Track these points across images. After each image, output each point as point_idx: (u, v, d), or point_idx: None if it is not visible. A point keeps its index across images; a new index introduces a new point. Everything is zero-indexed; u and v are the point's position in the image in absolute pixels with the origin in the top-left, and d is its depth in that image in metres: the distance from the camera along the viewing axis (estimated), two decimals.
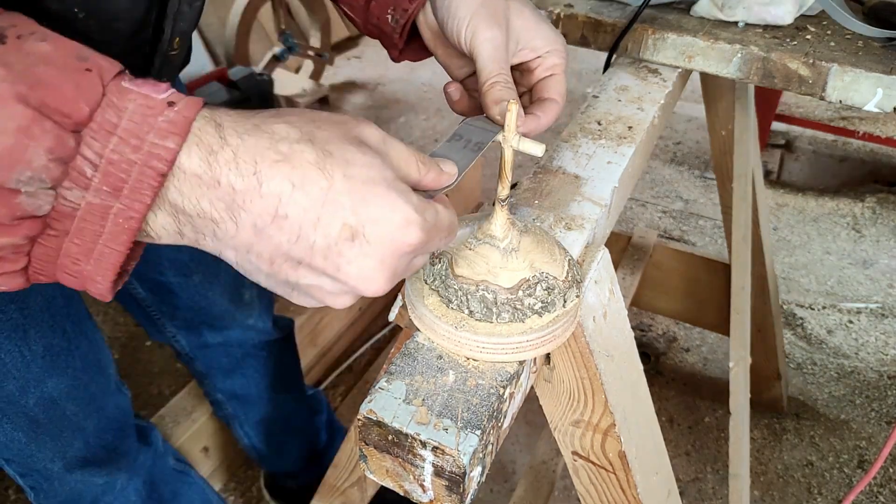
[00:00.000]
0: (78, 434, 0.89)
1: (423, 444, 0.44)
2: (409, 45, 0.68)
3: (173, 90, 0.36)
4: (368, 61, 3.52)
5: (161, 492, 1.06)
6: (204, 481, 1.19)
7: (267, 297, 1.19)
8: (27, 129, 0.32)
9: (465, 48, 0.59)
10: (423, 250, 0.41)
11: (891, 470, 1.68)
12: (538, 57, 0.61)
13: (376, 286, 0.39)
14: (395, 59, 0.70)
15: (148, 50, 0.63)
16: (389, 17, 0.64)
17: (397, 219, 0.38)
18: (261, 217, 0.37)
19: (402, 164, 0.42)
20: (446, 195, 0.46)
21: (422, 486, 0.46)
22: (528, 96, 0.63)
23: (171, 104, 0.35)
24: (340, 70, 3.39)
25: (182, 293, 1.04)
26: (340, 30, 3.57)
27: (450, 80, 0.65)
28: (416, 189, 0.43)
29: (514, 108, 0.48)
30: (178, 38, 0.65)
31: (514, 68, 0.62)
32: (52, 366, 0.82)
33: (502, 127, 0.55)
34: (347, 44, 3.62)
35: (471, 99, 0.63)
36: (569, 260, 0.52)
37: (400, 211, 0.38)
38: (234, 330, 1.15)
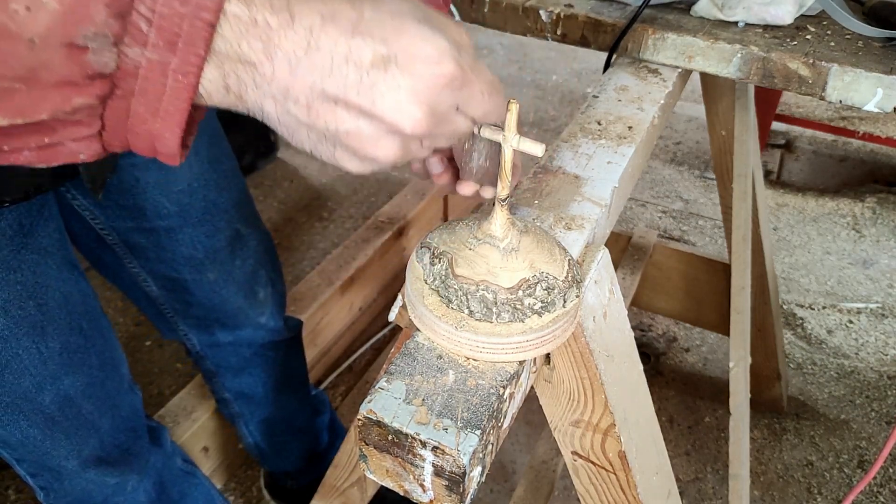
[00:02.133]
0: (93, 433, 0.89)
1: (423, 444, 0.44)
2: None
3: None
4: None
5: (169, 493, 1.06)
6: (209, 482, 1.19)
7: (279, 295, 1.19)
8: None
9: None
10: (461, 90, 0.40)
11: (891, 470, 1.68)
12: None
13: (414, 119, 0.38)
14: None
15: None
16: None
17: (429, 48, 0.38)
18: (294, 52, 0.36)
19: (452, 30, 0.40)
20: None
21: (422, 485, 0.46)
22: None
23: None
24: None
25: (196, 290, 1.03)
26: None
27: None
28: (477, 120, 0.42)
29: (514, 108, 0.48)
30: None
31: None
32: (68, 363, 0.82)
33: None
34: None
35: None
36: (569, 260, 0.52)
37: (432, 41, 0.38)
38: (245, 329, 1.15)
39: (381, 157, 0.41)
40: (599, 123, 0.75)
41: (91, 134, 0.36)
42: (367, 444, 0.46)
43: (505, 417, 0.49)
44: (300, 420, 1.38)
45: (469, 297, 0.48)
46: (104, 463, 0.92)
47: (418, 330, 0.51)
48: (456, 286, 0.49)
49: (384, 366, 0.50)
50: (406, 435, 0.44)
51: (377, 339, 1.95)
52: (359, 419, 0.46)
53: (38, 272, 0.76)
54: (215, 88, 0.37)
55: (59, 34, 0.32)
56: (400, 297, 0.55)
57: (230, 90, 0.38)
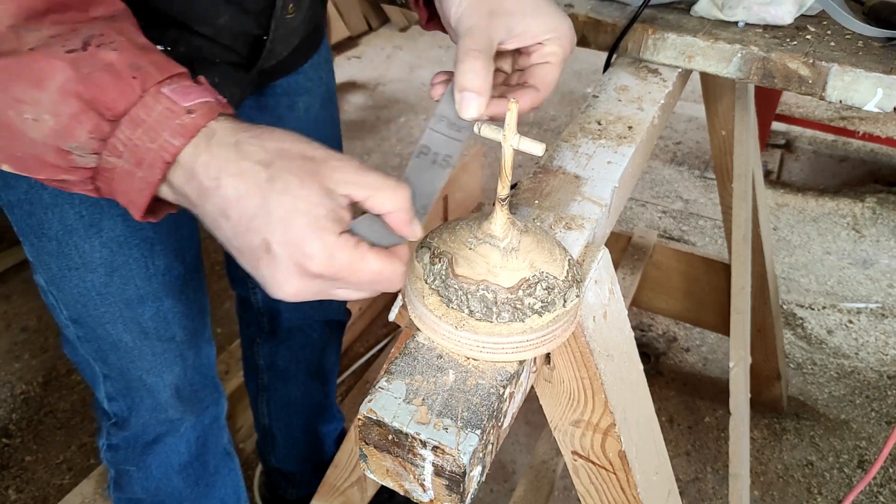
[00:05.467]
0: (179, 360, 0.96)
1: (424, 444, 0.44)
2: (435, 16, 0.69)
3: (203, 99, 0.48)
4: (368, 61, 3.52)
5: (207, 460, 1.09)
6: (241, 477, 1.21)
7: None
8: (76, 116, 0.46)
9: (452, 33, 0.60)
10: (333, 283, 0.47)
11: (891, 470, 1.68)
12: (538, 43, 0.60)
13: (283, 294, 0.47)
14: (424, 28, 0.74)
15: (268, 13, 0.78)
16: None
17: (304, 246, 0.45)
18: (214, 211, 0.47)
19: (374, 192, 0.47)
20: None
21: (422, 485, 0.46)
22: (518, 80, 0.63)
23: (189, 112, 0.47)
24: (340, 70, 3.39)
25: None
26: (340, 30, 3.57)
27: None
28: (387, 220, 0.49)
29: (513, 108, 0.48)
30: (291, 5, 0.80)
31: (512, 53, 0.62)
32: (170, 286, 0.91)
33: (468, 128, 0.55)
34: (347, 44, 3.62)
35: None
36: (569, 260, 0.52)
37: (308, 240, 0.45)
38: None
39: (271, 294, 0.49)
40: (599, 123, 0.75)
41: (88, 189, 0.50)
42: (367, 444, 0.46)
43: (505, 417, 0.49)
44: (317, 414, 1.39)
45: (469, 296, 0.48)
46: (178, 394, 0.99)
47: (418, 330, 0.51)
48: (456, 286, 0.49)
49: (384, 366, 0.50)
50: (406, 435, 0.44)
51: (377, 339, 1.95)
52: (359, 419, 0.46)
53: None
54: (171, 199, 0.50)
55: (52, 140, 0.46)
56: (400, 297, 0.55)
57: (183, 205, 0.50)
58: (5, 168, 0.49)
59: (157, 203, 0.51)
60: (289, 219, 0.45)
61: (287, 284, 0.46)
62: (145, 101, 0.46)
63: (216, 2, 0.73)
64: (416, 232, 0.50)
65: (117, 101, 0.46)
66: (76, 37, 0.47)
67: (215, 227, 0.49)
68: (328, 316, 1.27)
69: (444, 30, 0.67)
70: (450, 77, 0.59)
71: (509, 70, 0.64)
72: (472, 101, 0.54)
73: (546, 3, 0.60)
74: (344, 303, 1.29)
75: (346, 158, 0.48)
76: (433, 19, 0.71)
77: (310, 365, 1.31)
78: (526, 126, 2.99)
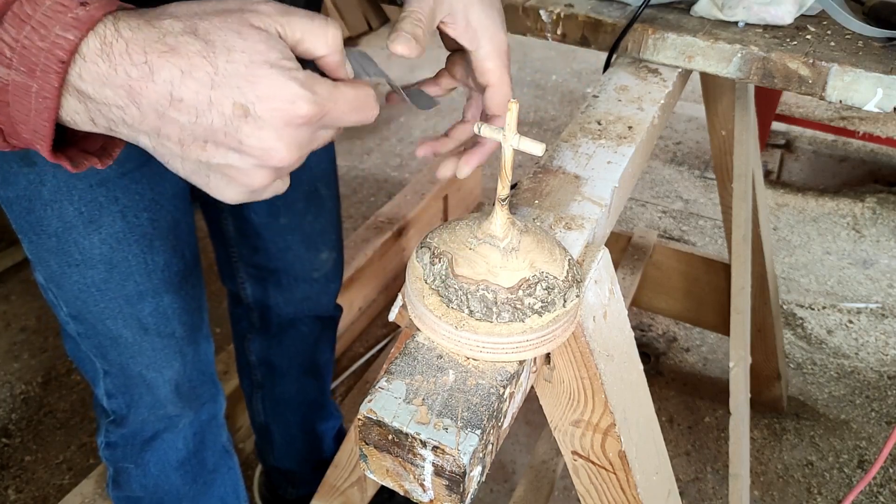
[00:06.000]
0: (178, 357, 0.96)
1: (424, 444, 0.44)
2: None
3: None
4: None
5: (204, 458, 1.09)
6: (240, 474, 1.21)
7: (339, 266, 1.24)
8: None
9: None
10: (322, 122, 0.44)
11: (891, 470, 1.68)
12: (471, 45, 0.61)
13: (280, 155, 0.43)
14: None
15: None
16: None
17: (283, 94, 0.41)
18: (159, 102, 0.41)
19: (304, 35, 0.45)
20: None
21: (422, 485, 0.46)
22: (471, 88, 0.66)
23: (83, 4, 0.40)
24: None
25: (265, 234, 1.10)
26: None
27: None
28: (319, 66, 0.46)
29: (514, 108, 0.48)
30: None
31: (461, 64, 0.65)
32: (169, 282, 0.90)
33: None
34: (347, 44, 3.62)
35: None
36: (569, 260, 0.52)
37: (284, 87, 0.41)
38: (298, 288, 1.20)
39: (255, 185, 0.45)
40: (599, 123, 0.75)
41: None
42: (367, 444, 0.46)
43: (505, 417, 0.49)
44: (313, 412, 1.39)
45: (469, 296, 0.48)
46: (177, 390, 0.99)
47: (418, 330, 0.51)
48: (456, 286, 0.49)
49: (384, 365, 0.50)
50: (406, 435, 0.44)
51: (377, 339, 1.95)
52: (359, 419, 0.46)
53: (155, 190, 0.85)
54: (82, 120, 0.43)
55: None
56: (400, 297, 0.55)
57: (97, 124, 0.43)
58: None
59: (70, 149, 0.45)
60: (251, 74, 0.41)
61: (281, 145, 0.42)
62: None
63: None
64: (348, 73, 0.48)
65: None
66: None
67: (163, 123, 0.42)
68: (319, 312, 1.27)
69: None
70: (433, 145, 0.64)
71: (472, 84, 0.66)
72: (406, 39, 0.54)
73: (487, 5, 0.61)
74: (335, 299, 1.29)
75: (261, 1, 0.44)
76: None
77: (303, 361, 1.31)
78: (526, 126, 2.99)
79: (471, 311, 0.48)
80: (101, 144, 0.48)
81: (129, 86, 0.41)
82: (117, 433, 1.02)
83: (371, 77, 0.54)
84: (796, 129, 2.90)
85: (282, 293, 1.20)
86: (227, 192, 0.46)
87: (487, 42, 0.61)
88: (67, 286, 0.87)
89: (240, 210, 1.08)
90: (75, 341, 0.95)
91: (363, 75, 0.53)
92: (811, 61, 0.79)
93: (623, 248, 1.80)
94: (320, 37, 0.45)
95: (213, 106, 0.41)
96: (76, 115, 0.42)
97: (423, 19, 0.57)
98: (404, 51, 0.54)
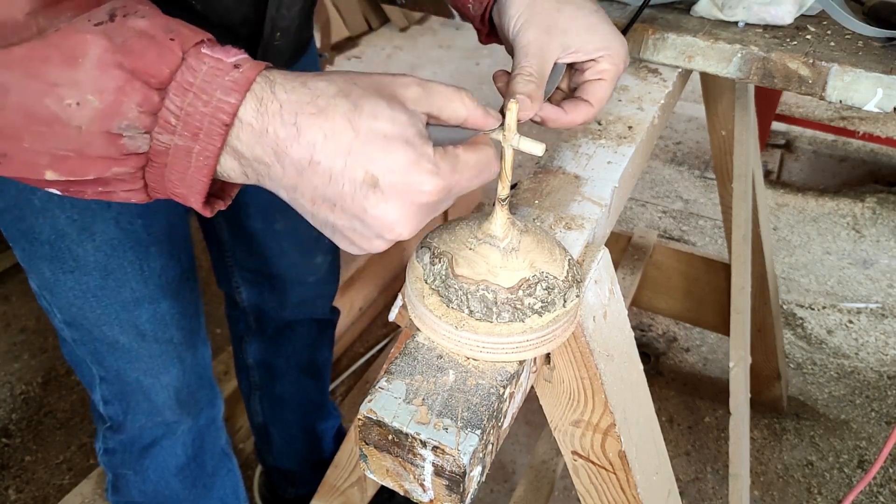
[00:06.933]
0: (177, 362, 0.96)
1: (424, 444, 0.44)
2: (495, 30, 0.70)
3: (243, 55, 0.44)
4: (368, 61, 3.52)
5: (204, 462, 1.09)
6: (240, 476, 1.21)
7: (334, 270, 1.24)
8: (122, 89, 0.41)
9: (509, 47, 0.62)
10: (447, 196, 0.46)
11: (891, 470, 1.68)
12: (591, 60, 0.62)
13: (399, 230, 0.44)
14: (482, 42, 0.74)
15: (256, 39, 0.78)
16: (471, 5, 0.70)
17: (412, 171, 0.43)
18: (300, 162, 0.43)
19: (445, 104, 0.47)
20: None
21: (422, 485, 0.46)
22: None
23: (237, 66, 0.43)
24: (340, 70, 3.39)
25: (261, 238, 1.10)
26: (340, 30, 3.57)
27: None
28: (464, 126, 0.48)
29: (513, 108, 0.48)
30: (279, 33, 0.80)
31: (567, 69, 0.65)
32: (166, 288, 0.90)
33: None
34: (347, 44, 3.62)
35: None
36: (569, 260, 0.52)
37: (415, 165, 0.43)
38: (293, 291, 1.19)
39: (372, 250, 0.47)
40: (599, 123, 0.75)
41: (136, 188, 0.45)
42: (367, 444, 0.46)
43: (505, 417, 0.49)
44: (312, 411, 1.39)
45: (469, 296, 0.48)
46: (177, 396, 0.98)
47: (418, 330, 0.51)
48: (456, 286, 0.49)
49: (384, 366, 0.50)
50: (406, 435, 0.44)
51: (377, 339, 1.95)
52: (359, 419, 0.46)
53: None
54: (236, 175, 0.46)
55: (98, 124, 0.42)
56: (400, 297, 0.55)
57: (249, 177, 0.46)
58: (50, 176, 0.44)
59: (211, 196, 0.48)
60: (387, 146, 0.43)
61: (402, 220, 0.44)
62: (188, 62, 0.42)
63: (199, 25, 0.72)
64: (496, 117, 0.50)
65: (160, 65, 0.42)
66: (100, 11, 0.43)
67: (300, 182, 0.44)
68: (315, 315, 1.27)
69: (501, 42, 0.68)
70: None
71: (565, 87, 0.67)
72: (524, 103, 0.56)
73: (600, 21, 0.63)
74: (331, 301, 1.29)
75: (402, 75, 0.47)
76: (492, 33, 0.71)
77: (300, 361, 1.31)
78: (526, 126, 2.98)
79: (471, 311, 0.48)
80: (220, 185, 0.50)
81: (277, 144, 0.43)
82: (115, 439, 1.01)
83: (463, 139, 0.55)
84: (796, 129, 2.89)
85: (277, 297, 1.20)
86: (347, 248, 0.48)
87: (605, 49, 0.62)
88: (62, 293, 0.86)
89: (235, 215, 1.08)
90: (71, 347, 0.94)
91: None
92: (811, 61, 0.79)
93: (623, 248, 1.80)
94: (458, 105, 0.47)
95: (346, 171, 0.43)
96: (231, 172, 0.45)
97: (533, 73, 0.58)
98: (523, 116, 0.56)
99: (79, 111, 0.41)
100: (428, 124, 0.47)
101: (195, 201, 0.46)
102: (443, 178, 0.44)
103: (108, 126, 0.42)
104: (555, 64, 0.61)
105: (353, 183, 0.43)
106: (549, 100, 0.63)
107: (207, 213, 0.48)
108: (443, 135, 0.47)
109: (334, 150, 0.42)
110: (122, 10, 0.43)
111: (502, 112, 0.54)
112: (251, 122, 0.43)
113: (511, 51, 0.63)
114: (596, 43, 0.61)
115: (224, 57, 0.43)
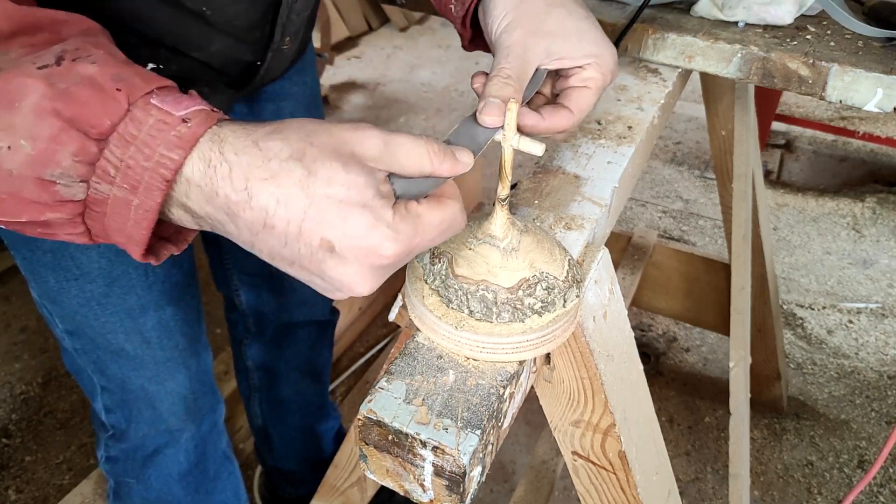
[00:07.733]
0: (182, 369, 0.96)
1: (424, 444, 0.44)
2: (479, 36, 0.67)
3: (197, 107, 0.42)
4: (368, 61, 3.52)
5: (206, 468, 1.09)
6: (241, 478, 1.21)
7: None
8: (57, 137, 0.40)
9: (493, 49, 0.60)
10: (407, 257, 0.44)
11: (891, 470, 1.68)
12: (577, 66, 0.59)
13: (359, 289, 0.43)
14: (465, 48, 0.71)
15: (264, 43, 0.78)
16: (453, 7, 0.67)
17: (370, 237, 0.42)
18: (253, 225, 0.42)
19: (408, 160, 0.45)
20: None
21: (422, 485, 0.46)
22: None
23: (185, 120, 0.42)
24: (340, 70, 3.39)
25: None
26: (340, 30, 3.57)
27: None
28: (434, 175, 0.46)
29: (513, 108, 0.48)
30: (288, 38, 0.80)
31: (551, 74, 0.62)
32: (170, 294, 0.90)
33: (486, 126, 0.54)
34: (347, 44, 3.62)
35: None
36: (569, 260, 0.52)
37: (372, 230, 0.41)
38: (291, 296, 1.19)
39: (339, 298, 0.46)
40: (599, 123, 0.75)
41: (77, 232, 0.44)
42: (367, 444, 0.46)
43: (505, 417, 0.49)
44: (312, 412, 1.39)
45: (469, 296, 0.48)
46: (183, 402, 0.98)
47: (418, 330, 0.51)
48: (456, 286, 0.49)
49: (384, 366, 0.50)
50: (406, 435, 0.44)
51: (377, 339, 1.95)
52: (359, 419, 0.46)
53: None
54: (189, 224, 0.45)
55: (30, 170, 0.40)
56: (400, 297, 0.55)
57: (204, 227, 0.45)
58: None
59: (159, 241, 0.47)
60: (343, 212, 0.41)
61: (361, 281, 0.43)
62: (133, 114, 0.41)
63: (208, 31, 0.72)
64: (465, 162, 0.47)
65: (102, 116, 0.41)
66: (48, 53, 0.42)
67: (255, 241, 0.43)
68: (314, 316, 1.27)
69: (487, 49, 0.65)
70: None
71: (547, 92, 0.64)
72: (494, 106, 0.53)
73: (590, 27, 0.60)
74: (330, 303, 1.29)
75: (363, 127, 0.44)
76: (476, 39, 0.69)
77: (300, 363, 1.31)
78: None
79: (471, 312, 0.48)
80: (174, 229, 0.49)
81: (229, 207, 0.42)
82: (117, 448, 1.01)
83: (483, 145, 0.52)
84: (796, 129, 2.90)
85: (276, 299, 1.19)
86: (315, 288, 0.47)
87: (592, 57, 0.59)
88: (66, 301, 0.86)
89: None
90: (72, 356, 0.94)
91: (477, 150, 0.51)
92: (811, 61, 0.79)
93: (623, 248, 1.80)
94: (423, 159, 0.45)
95: (301, 237, 0.42)
96: (184, 222, 0.45)
97: (511, 75, 0.56)
98: (494, 122, 0.52)
99: (10, 155, 0.40)
100: (391, 174, 0.45)
101: (134, 252, 0.45)
102: (402, 243, 0.43)
103: (40, 172, 0.41)
104: (536, 69, 0.59)
105: (310, 247, 0.42)
106: (529, 104, 0.60)
107: (152, 261, 0.47)
108: (408, 186, 0.45)
109: (287, 217, 0.41)
110: (73, 53, 0.42)
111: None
112: (199, 184, 0.42)
113: (494, 54, 0.61)
114: (584, 50, 0.59)
115: (173, 110, 0.42)
